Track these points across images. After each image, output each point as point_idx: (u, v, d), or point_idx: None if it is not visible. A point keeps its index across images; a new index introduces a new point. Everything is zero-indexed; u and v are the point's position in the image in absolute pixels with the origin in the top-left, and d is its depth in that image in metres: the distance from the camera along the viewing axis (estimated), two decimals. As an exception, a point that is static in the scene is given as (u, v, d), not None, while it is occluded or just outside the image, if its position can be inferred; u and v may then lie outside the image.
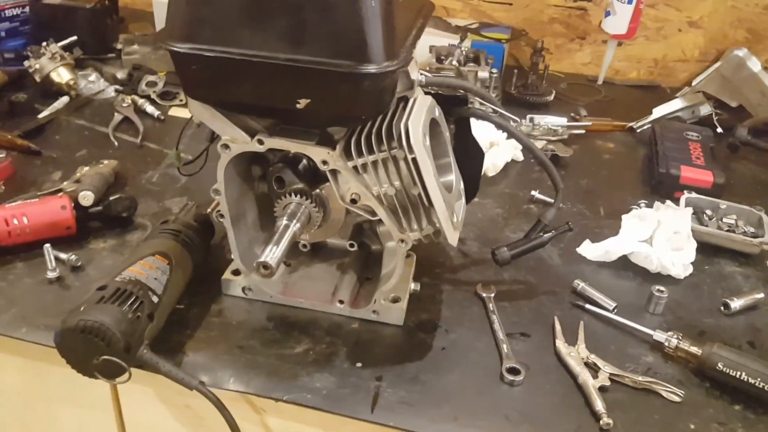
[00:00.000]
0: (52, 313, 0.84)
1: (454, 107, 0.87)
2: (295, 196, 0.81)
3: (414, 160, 0.73)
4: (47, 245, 0.90)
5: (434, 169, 0.75)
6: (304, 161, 0.82)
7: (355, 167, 0.76)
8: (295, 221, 0.80)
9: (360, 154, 0.75)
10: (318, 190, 0.82)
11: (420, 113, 0.76)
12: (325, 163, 0.76)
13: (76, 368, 0.75)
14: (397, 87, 0.76)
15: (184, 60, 0.70)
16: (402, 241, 0.80)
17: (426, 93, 0.82)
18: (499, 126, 0.88)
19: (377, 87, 0.70)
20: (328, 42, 0.67)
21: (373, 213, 0.79)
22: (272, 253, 0.75)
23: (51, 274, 0.90)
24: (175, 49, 0.70)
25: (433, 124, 0.80)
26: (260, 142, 0.77)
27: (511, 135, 0.89)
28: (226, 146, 0.78)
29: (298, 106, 0.71)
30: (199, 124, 0.79)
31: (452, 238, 0.79)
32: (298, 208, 0.81)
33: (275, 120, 0.80)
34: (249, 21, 0.68)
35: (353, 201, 0.78)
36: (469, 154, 0.89)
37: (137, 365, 0.75)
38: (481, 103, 0.87)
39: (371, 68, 0.67)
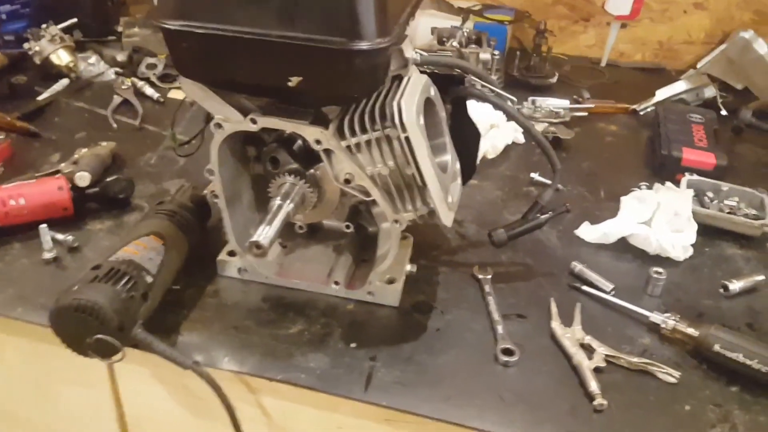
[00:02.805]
0: (48, 293, 0.84)
1: (451, 87, 0.86)
2: (290, 176, 0.81)
3: (407, 139, 0.72)
4: (43, 225, 0.90)
5: (428, 148, 0.74)
6: (299, 142, 0.82)
7: (348, 147, 0.75)
8: (288, 201, 0.79)
9: (353, 133, 0.74)
10: (312, 171, 0.82)
11: (414, 92, 0.75)
12: (318, 142, 0.76)
13: (70, 347, 0.75)
14: (390, 65, 0.75)
15: (176, 37, 0.70)
16: (396, 221, 0.79)
17: (422, 72, 0.82)
18: (496, 106, 0.87)
19: (369, 64, 0.69)
20: (320, 18, 0.66)
21: (367, 193, 0.78)
22: (265, 233, 0.75)
23: (48, 255, 0.90)
24: (167, 26, 0.69)
25: (429, 103, 0.79)
26: (253, 121, 0.77)
27: (507, 114, 0.89)
28: (219, 125, 0.78)
29: (289, 84, 0.70)
30: (192, 103, 0.78)
31: (446, 218, 0.79)
32: (292, 189, 0.80)
33: (269, 99, 0.79)
34: (240, -3, 0.67)
35: (347, 181, 0.77)
36: (465, 135, 0.88)
37: (131, 344, 0.75)
38: (482, 85, 0.87)
39: (363, 45, 0.66)
